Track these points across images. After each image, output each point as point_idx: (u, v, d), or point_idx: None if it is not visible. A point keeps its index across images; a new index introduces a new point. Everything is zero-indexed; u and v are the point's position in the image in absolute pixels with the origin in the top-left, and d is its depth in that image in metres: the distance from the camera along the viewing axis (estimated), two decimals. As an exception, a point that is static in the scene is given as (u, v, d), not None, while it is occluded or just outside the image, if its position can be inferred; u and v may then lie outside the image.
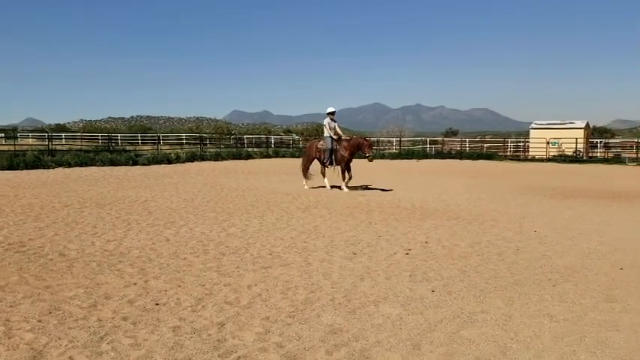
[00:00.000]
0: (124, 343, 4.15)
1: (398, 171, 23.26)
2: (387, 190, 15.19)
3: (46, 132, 47.17)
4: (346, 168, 15.29)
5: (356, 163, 16.61)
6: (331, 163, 15.43)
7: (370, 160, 15.73)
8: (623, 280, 6.07)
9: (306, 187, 15.82)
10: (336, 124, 15.66)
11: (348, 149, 15.09)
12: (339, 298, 5.36)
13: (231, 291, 5.54)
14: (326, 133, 15.60)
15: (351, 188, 15.29)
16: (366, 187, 16.16)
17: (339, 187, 15.32)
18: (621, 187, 17.14)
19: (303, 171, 16.29)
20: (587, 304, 5.23)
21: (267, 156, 34.03)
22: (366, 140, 15.36)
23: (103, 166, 23.88)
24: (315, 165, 16.49)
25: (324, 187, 15.69)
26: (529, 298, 5.42)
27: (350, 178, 15.41)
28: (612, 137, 57.59)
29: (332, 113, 15.54)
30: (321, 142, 15.82)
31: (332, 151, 15.33)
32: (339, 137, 15.59)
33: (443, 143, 44.96)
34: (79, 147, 34.74)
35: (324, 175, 15.99)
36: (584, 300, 5.36)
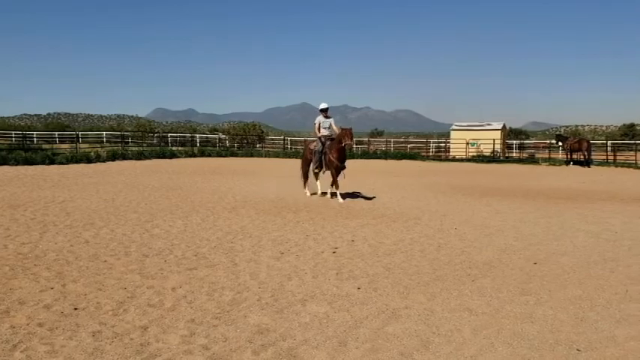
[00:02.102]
0: (40, 350, 3.96)
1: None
2: (370, 198, 14.20)
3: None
4: (337, 172, 13.37)
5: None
6: (320, 167, 13.83)
7: (349, 149, 14.45)
8: (537, 275, 6.41)
9: (307, 193, 14.19)
10: (331, 121, 13.93)
11: (336, 150, 13.17)
12: (266, 297, 5.34)
13: (155, 293, 5.41)
14: (318, 133, 13.91)
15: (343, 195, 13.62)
16: (357, 195, 14.45)
17: (334, 195, 13.60)
18: (535, 186, 18.06)
19: (302, 175, 14.63)
20: (504, 298, 5.48)
21: (193, 155, 33.37)
22: (344, 129, 13.13)
23: (16, 165, 22.57)
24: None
25: (316, 193, 14.12)
26: (450, 293, 5.62)
27: (336, 184, 13.57)
28: (527, 138, 60.55)
29: (325, 110, 13.84)
30: (314, 144, 14.03)
31: (321, 153, 13.64)
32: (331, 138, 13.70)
33: (369, 143, 45.77)
34: (-10, 145, 32.78)
35: (316, 178, 14.43)
36: (501, 294, 5.62)
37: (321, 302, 5.24)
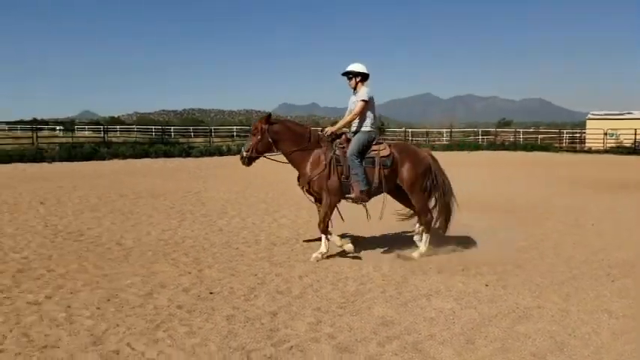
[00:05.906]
0: (180, 331, 4.23)
1: (454, 164, 22.95)
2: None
3: (102, 125, 48.75)
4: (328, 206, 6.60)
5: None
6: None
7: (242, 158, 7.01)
8: (689, 277, 5.79)
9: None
10: (355, 99, 6.71)
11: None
12: (390, 290, 5.32)
13: (283, 281, 5.59)
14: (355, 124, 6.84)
15: None
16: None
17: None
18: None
19: None
20: (650, 301, 5.02)
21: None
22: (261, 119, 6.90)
23: (157, 157, 24.48)
24: None
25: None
26: (586, 294, 5.24)
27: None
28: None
29: (354, 76, 6.69)
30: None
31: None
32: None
33: (496, 134, 43.74)
34: (134, 139, 35.63)
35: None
36: (646, 297, 5.15)
37: (447, 298, 5.11)
